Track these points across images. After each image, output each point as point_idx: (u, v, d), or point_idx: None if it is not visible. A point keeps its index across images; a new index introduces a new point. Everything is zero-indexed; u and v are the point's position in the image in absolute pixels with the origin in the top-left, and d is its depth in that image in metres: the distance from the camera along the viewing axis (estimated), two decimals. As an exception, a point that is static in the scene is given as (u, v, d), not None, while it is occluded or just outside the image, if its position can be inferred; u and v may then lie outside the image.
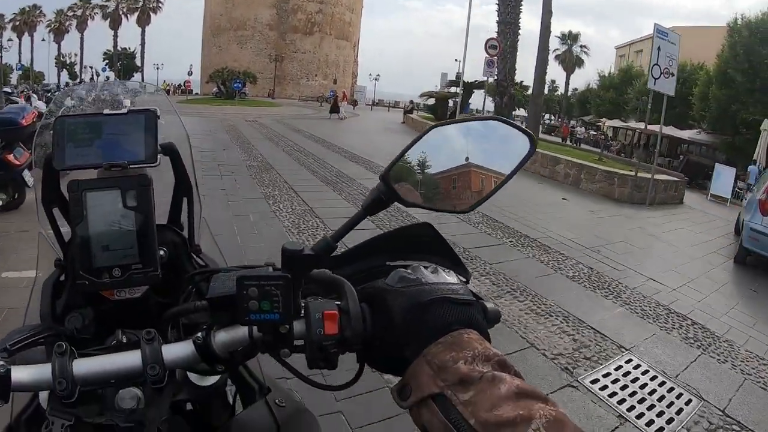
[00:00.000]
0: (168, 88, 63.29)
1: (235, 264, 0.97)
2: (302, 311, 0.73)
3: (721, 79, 29.18)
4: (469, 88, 31.34)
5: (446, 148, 0.88)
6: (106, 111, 0.95)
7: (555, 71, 68.22)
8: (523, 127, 0.89)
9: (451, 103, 31.24)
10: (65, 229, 0.99)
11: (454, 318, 0.68)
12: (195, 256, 1.10)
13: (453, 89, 33.15)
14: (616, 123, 44.74)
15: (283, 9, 69.28)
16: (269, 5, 69.05)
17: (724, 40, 30.43)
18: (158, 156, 0.94)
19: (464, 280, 0.81)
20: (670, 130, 33.42)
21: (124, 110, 0.96)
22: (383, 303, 0.72)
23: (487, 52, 21.09)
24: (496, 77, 24.06)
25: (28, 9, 73.01)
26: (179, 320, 0.91)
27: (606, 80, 50.10)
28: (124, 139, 0.94)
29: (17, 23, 72.75)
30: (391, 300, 0.72)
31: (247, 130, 20.22)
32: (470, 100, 35.14)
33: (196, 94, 59.55)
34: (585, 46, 66.79)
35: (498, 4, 24.46)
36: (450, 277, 0.75)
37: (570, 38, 66.26)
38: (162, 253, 0.98)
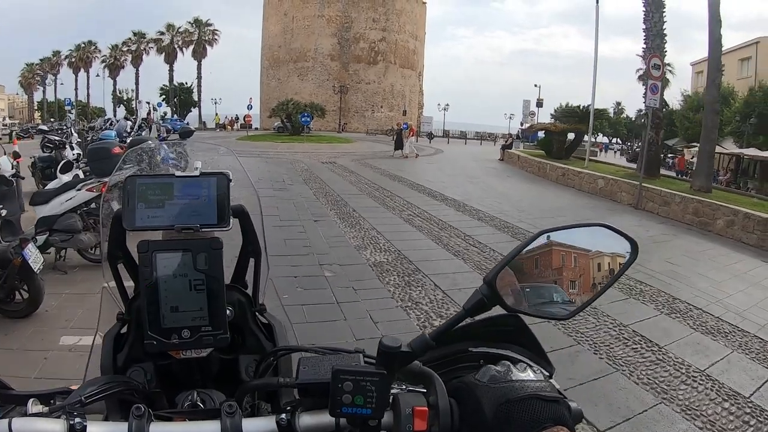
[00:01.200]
0: (224, 122, 61.28)
1: (322, 344, 0.97)
2: (391, 403, 0.76)
3: None
4: (585, 116, 26.76)
5: None
6: (177, 173, 0.98)
7: (639, 91, 63.30)
8: (627, 234, 0.90)
9: (571, 135, 26.27)
10: (128, 284, 1.05)
11: (545, 415, 0.70)
12: (259, 315, 1.14)
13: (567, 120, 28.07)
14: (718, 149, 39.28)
15: (344, 38, 65.86)
16: (330, 34, 65.79)
17: None
18: (230, 220, 0.98)
19: (548, 374, 0.84)
20: (753, 151, 31.78)
21: (196, 173, 0.98)
22: (473, 399, 0.75)
23: (650, 74, 16.21)
24: (647, 105, 19.59)
25: (83, 45, 72.52)
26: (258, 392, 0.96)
27: (692, 100, 45.03)
28: (196, 201, 0.96)
29: (73, 59, 72.42)
30: (481, 396, 0.74)
31: (329, 176, 16.35)
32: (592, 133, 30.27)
33: (256, 128, 56.44)
34: (669, 65, 61.44)
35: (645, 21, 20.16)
36: (537, 375, 0.78)
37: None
38: (228, 312, 1.00)
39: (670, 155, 52.50)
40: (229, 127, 58.29)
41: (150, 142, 7.07)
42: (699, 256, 9.46)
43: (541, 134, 29.37)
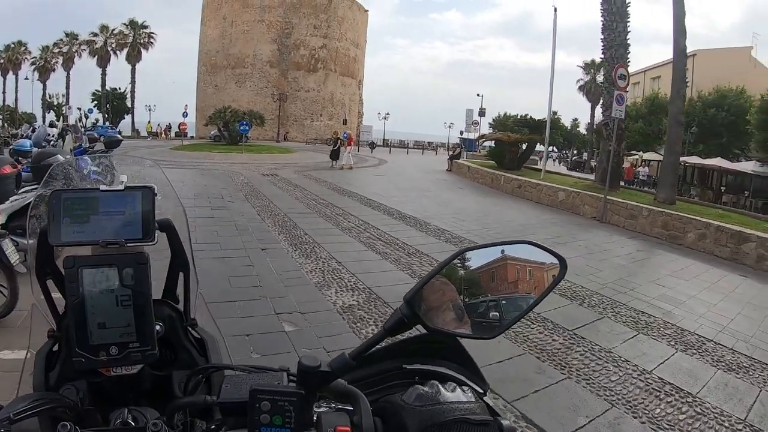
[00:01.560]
0: (156, 131, 58.29)
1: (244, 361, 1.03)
2: (315, 423, 0.77)
3: None
4: (538, 127, 26.24)
5: (462, 265, 0.90)
6: (102, 187, 0.98)
7: (580, 102, 64.98)
8: (554, 250, 0.91)
9: (524, 146, 25.60)
10: (59, 300, 1.03)
11: None
12: (191, 330, 1.13)
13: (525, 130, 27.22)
14: (652, 156, 41.01)
15: (284, 44, 63.94)
16: (269, 40, 63.84)
17: None
18: (156, 234, 0.98)
19: (481, 391, 0.87)
20: (719, 162, 32.46)
21: (121, 186, 0.98)
22: (398, 420, 0.75)
23: (616, 85, 15.55)
24: (613, 116, 19.24)
25: (13, 45, 67.39)
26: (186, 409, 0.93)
27: (632, 110, 46.41)
28: (121, 215, 0.96)
29: (1, 60, 67.38)
30: (406, 418, 0.74)
31: (272, 191, 14.91)
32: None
33: (192, 137, 54.04)
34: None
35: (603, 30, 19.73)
36: (467, 395, 0.78)
37: (594, 67, 62.42)
38: (158, 328, 1.00)
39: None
40: (162, 135, 55.41)
41: (59, 156, 6.20)
42: (683, 274, 9.08)
43: (489, 144, 28.85)
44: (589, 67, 62.68)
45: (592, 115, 61.44)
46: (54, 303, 1.05)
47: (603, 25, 19.68)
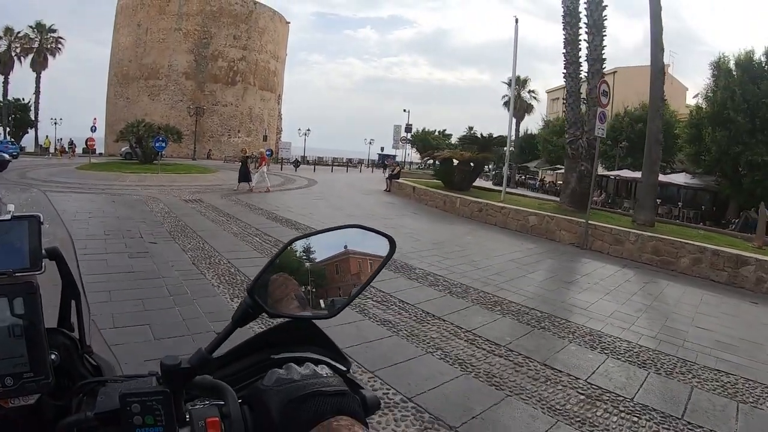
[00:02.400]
0: (55, 147, 51.76)
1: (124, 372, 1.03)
2: (187, 419, 0.79)
3: (717, 120, 28.94)
4: (488, 144, 24.71)
5: (308, 258, 0.97)
6: None
7: (503, 117, 66.32)
8: (381, 230, 0.99)
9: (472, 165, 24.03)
10: None
11: (327, 408, 0.75)
12: (87, 357, 1.12)
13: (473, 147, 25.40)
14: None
15: (201, 55, 60.65)
16: (186, 50, 60.28)
17: (710, 80, 31.73)
18: (43, 263, 0.96)
19: (344, 369, 0.93)
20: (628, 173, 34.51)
21: (7, 216, 0.97)
22: (262, 403, 0.79)
23: (600, 102, 14.24)
24: (573, 136, 18.40)
25: None
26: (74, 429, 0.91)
27: (554, 125, 48.45)
28: (8, 245, 0.95)
29: None
30: (268, 400, 0.78)
31: (202, 224, 12.19)
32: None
33: (101, 154, 49.64)
34: (534, 91, 64.29)
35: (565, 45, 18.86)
36: (323, 371, 0.83)
37: (517, 83, 62.96)
38: (53, 357, 0.99)
39: (529, 177, 59.41)
40: (59, 154, 48.01)
41: None
42: (712, 311, 8.50)
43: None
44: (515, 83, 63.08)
45: (517, 130, 62.79)
46: None
47: (565, 39, 18.93)
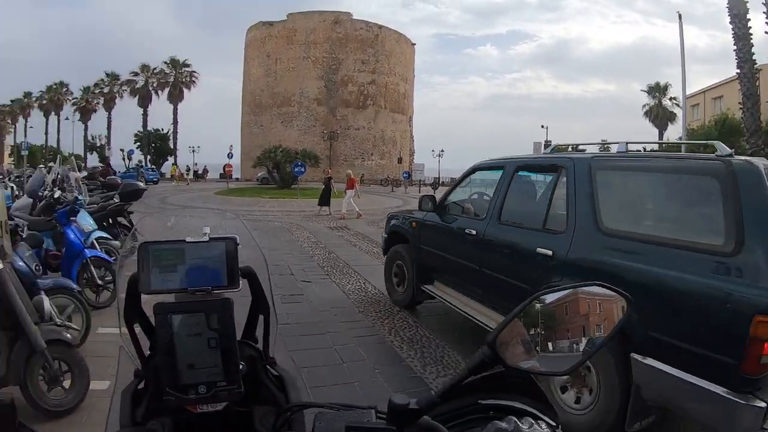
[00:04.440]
0: (180, 173, 54.41)
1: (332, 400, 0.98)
2: None
3: None
4: None
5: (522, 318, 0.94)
6: (188, 239, 1.08)
7: (642, 127, 60.01)
8: (619, 289, 0.95)
9: None
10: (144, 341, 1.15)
11: None
12: (270, 368, 1.24)
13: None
14: None
15: (331, 81, 61.01)
16: (316, 77, 60.92)
17: None
18: (240, 281, 1.10)
19: (554, 424, 0.90)
20: None
21: (206, 238, 1.09)
22: None
23: None
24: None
25: (55, 86, 67.18)
26: None
27: (699, 134, 41.07)
28: (206, 264, 1.07)
29: (44, 101, 67.45)
30: None
31: (356, 257, 10.60)
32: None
33: (237, 179, 51.21)
34: (675, 98, 57.45)
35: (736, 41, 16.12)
36: (543, 429, 0.82)
37: (657, 90, 57.66)
38: (241, 367, 1.09)
39: None
40: (177, 180, 49.49)
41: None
42: None
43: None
44: (654, 90, 58.01)
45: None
46: (140, 345, 1.15)
47: (734, 34, 16.18)
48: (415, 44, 72.49)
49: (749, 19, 15.93)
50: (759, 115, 15.85)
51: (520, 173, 5.22)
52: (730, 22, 16.21)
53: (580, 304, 0.94)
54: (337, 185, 22.92)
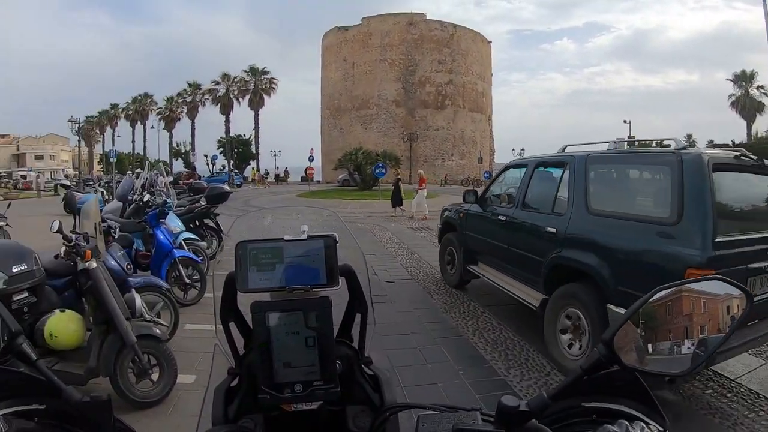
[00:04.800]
0: (261, 177, 55.76)
1: (435, 402, 0.99)
2: None
3: None
4: None
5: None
6: (286, 237, 1.08)
7: (731, 119, 57.02)
8: (740, 284, 0.90)
9: None
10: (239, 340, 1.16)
11: None
12: (366, 367, 1.21)
13: None
14: None
15: (409, 82, 60.93)
16: (394, 79, 60.94)
17: None
18: (339, 279, 1.08)
19: (662, 429, 0.87)
20: None
21: (304, 236, 1.08)
22: None
23: None
24: None
25: (140, 98, 72.17)
26: None
27: None
28: (305, 263, 1.06)
29: (130, 112, 72.57)
30: None
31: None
32: None
33: (318, 182, 52.10)
34: (763, 87, 54.05)
35: None
36: None
37: (744, 79, 54.29)
38: (338, 366, 1.09)
39: None
40: (258, 183, 51.78)
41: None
42: None
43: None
44: (740, 79, 55.18)
45: (749, 134, 53.78)
46: (234, 343, 1.15)
47: None
48: (491, 42, 71.46)
49: None
50: None
51: (538, 169, 6.38)
52: None
53: (683, 302, 0.90)
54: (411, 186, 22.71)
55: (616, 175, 5.31)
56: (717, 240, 3.83)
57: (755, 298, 3.28)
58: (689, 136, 75.02)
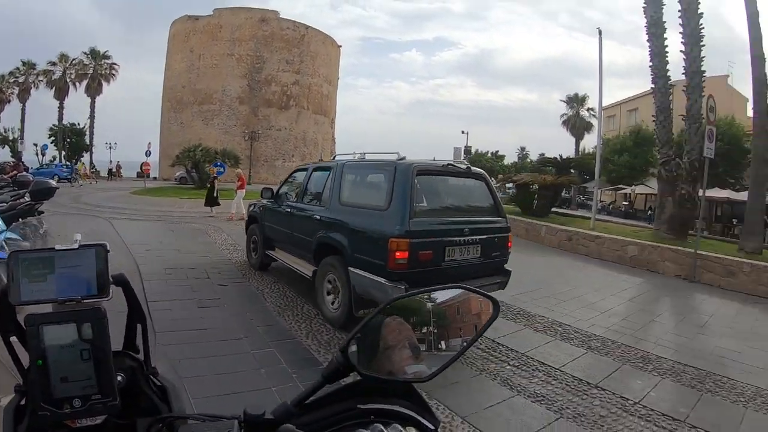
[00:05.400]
0: (87, 171, 51.69)
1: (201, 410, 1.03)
2: None
3: None
4: (566, 166, 23.43)
5: (412, 318, 0.99)
6: (57, 246, 1.03)
7: (563, 135, 63.67)
8: (486, 292, 1.01)
9: (566, 192, 22.50)
10: (24, 355, 1.07)
11: None
12: (153, 378, 1.18)
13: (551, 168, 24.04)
14: (643, 189, 41.65)
15: (255, 80, 60.24)
16: (240, 75, 59.99)
17: None
18: (110, 289, 1.04)
19: (432, 428, 0.94)
20: (727, 193, 32.35)
21: (75, 245, 1.03)
22: None
23: (708, 118, 12.74)
24: (665, 156, 16.98)
25: None
26: None
27: (614, 143, 45.41)
28: (77, 272, 1.02)
29: None
30: None
31: (278, 262, 9.64)
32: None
33: (155, 178, 49.90)
34: (592, 109, 61.09)
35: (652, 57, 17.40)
36: None
37: (576, 101, 60.94)
38: (120, 378, 1.07)
39: (588, 198, 53.61)
40: (83, 178, 46.67)
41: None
42: None
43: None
44: (572, 101, 61.66)
45: (577, 150, 59.52)
46: (19, 359, 1.08)
47: (651, 51, 17.33)
48: (341, 46, 72.72)
49: (666, 38, 17.13)
50: (671, 127, 16.99)
51: (315, 172, 8.12)
52: (648, 40, 17.30)
53: (471, 303, 1.01)
54: (255, 186, 22.80)
55: (359, 177, 7.16)
56: (414, 220, 5.72)
57: (453, 262, 5.99)
58: (522, 149, 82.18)
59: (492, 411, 4.37)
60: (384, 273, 5.62)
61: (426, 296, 1.00)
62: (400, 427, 0.84)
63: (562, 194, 40.55)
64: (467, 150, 53.31)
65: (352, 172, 7.16)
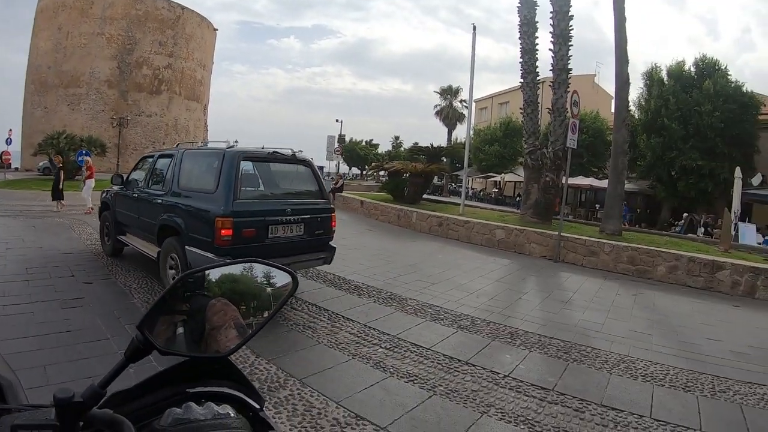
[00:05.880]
0: None
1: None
2: None
3: (652, 127, 30.22)
4: (437, 155, 24.20)
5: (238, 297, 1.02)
6: None
7: (437, 125, 65.36)
8: (282, 265, 1.05)
9: (437, 179, 23.17)
10: None
11: None
12: None
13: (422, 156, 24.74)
14: (513, 177, 44.13)
15: (125, 62, 56.59)
16: (109, 57, 55.95)
17: (642, 89, 33.02)
18: None
19: (257, 406, 0.95)
20: (591, 181, 35.12)
21: None
22: None
23: (572, 112, 13.85)
24: (531, 146, 18.04)
25: None
26: None
27: (485, 134, 48.74)
28: None
29: None
30: None
31: (144, 255, 8.97)
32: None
33: (16, 169, 45.98)
34: (465, 101, 63.42)
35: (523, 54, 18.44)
36: (225, 411, 0.84)
37: (449, 93, 62.91)
38: None
39: (459, 186, 56.00)
40: None
41: None
42: (709, 320, 8.59)
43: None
44: (446, 92, 63.21)
45: (449, 139, 61.45)
46: None
47: (522, 48, 18.43)
48: (217, 30, 70.27)
49: (537, 37, 18.27)
50: (538, 119, 18.31)
51: (160, 159, 8.51)
52: (520, 38, 18.37)
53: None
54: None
55: (195, 164, 7.51)
56: (237, 201, 6.39)
57: (278, 239, 6.81)
58: (397, 138, 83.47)
59: (366, 393, 4.55)
60: (212, 249, 6.25)
61: (239, 271, 1.02)
62: (213, 405, 0.83)
63: (434, 182, 42.21)
64: (341, 138, 53.63)
65: (189, 159, 7.63)
